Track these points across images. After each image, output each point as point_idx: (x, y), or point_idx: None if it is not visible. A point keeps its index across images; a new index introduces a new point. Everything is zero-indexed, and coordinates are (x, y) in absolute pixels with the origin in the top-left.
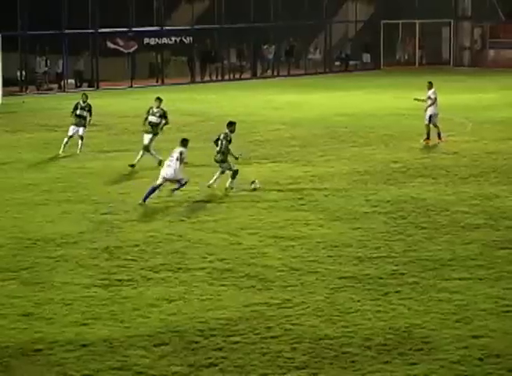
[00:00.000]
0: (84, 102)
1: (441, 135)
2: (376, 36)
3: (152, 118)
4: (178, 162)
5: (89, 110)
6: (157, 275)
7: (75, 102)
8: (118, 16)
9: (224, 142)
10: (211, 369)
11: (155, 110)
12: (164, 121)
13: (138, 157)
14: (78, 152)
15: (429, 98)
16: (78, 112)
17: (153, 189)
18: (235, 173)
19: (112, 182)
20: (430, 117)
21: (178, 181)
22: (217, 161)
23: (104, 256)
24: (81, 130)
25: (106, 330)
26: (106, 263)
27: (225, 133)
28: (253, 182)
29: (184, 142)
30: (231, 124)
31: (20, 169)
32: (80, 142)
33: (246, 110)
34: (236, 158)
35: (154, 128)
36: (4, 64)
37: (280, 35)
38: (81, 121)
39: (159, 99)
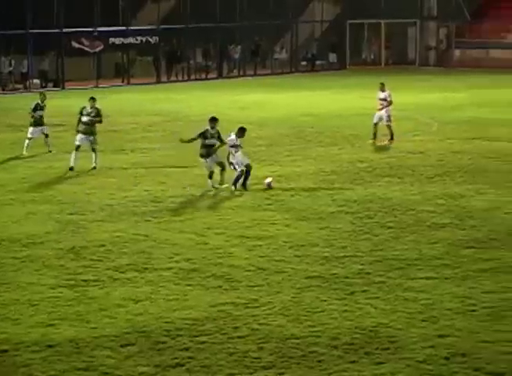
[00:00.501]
0: (42, 102)
1: (393, 136)
2: (342, 36)
3: (85, 118)
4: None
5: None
6: (123, 275)
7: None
8: (83, 15)
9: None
10: (178, 369)
11: (89, 109)
12: (98, 120)
13: (72, 158)
14: (51, 150)
15: (384, 99)
16: (38, 113)
17: (238, 177)
18: (211, 174)
19: (78, 182)
20: (389, 117)
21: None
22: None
23: (70, 256)
24: (45, 129)
25: (72, 331)
26: (72, 263)
27: (206, 129)
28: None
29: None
30: (213, 120)
31: None
32: (47, 140)
33: (213, 109)
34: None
35: (88, 128)
36: None
37: (246, 35)
38: (41, 120)
39: (93, 99)
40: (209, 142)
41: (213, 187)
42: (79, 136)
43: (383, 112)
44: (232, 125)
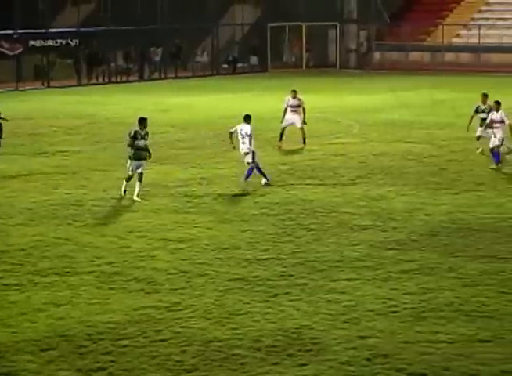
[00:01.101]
0: None
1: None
2: (263, 39)
3: None
4: (249, 138)
5: None
6: (45, 279)
7: None
8: (3, 17)
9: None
10: (100, 373)
11: None
12: None
13: None
14: None
15: (298, 106)
16: None
17: (251, 169)
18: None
19: None
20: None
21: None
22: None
23: None
24: None
25: None
26: None
27: (136, 130)
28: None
29: (247, 119)
30: (143, 121)
31: None
32: None
33: (134, 112)
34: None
35: None
36: None
37: (167, 37)
38: None
39: None
40: (139, 143)
41: (124, 192)
42: None
43: (295, 117)
44: (155, 128)
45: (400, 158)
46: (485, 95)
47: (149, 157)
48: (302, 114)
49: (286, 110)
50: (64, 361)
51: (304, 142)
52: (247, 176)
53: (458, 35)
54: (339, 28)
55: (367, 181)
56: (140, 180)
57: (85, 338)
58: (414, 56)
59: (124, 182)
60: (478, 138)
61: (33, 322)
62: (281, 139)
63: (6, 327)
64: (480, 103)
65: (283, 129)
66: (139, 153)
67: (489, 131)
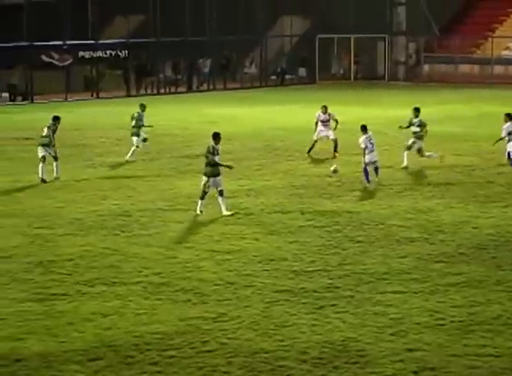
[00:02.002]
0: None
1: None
2: (311, 50)
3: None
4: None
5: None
6: (92, 289)
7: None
8: (53, 29)
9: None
10: None
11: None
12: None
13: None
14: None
15: (328, 121)
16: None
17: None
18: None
19: (47, 196)
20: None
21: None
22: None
23: (38, 270)
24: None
25: (41, 345)
26: (40, 277)
27: (211, 146)
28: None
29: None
30: (216, 136)
31: None
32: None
33: (182, 123)
34: (230, 167)
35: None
36: None
37: (216, 49)
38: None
39: None
40: (215, 159)
41: (201, 212)
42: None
43: (327, 129)
44: (202, 139)
45: (448, 171)
46: (417, 110)
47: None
48: (334, 126)
49: (317, 123)
50: (112, 371)
51: (336, 151)
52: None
53: (507, 48)
54: (388, 40)
55: (414, 193)
56: (222, 195)
57: (132, 348)
58: (463, 68)
59: (199, 201)
60: (409, 147)
61: (80, 332)
62: (309, 151)
63: (54, 336)
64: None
65: (315, 142)
66: (214, 170)
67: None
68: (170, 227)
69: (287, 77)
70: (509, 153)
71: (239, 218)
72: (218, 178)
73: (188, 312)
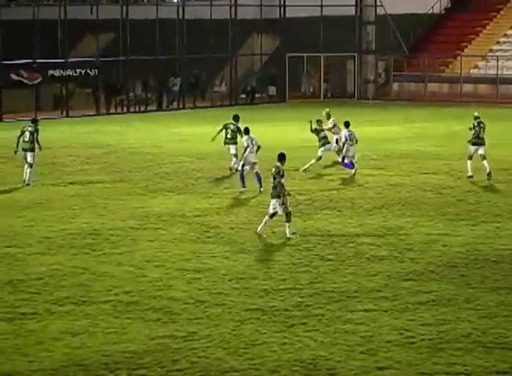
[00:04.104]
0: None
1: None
2: (281, 69)
3: None
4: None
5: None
6: (62, 308)
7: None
8: (22, 47)
9: (277, 177)
10: None
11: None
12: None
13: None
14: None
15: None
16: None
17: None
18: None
19: (17, 214)
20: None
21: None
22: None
23: (7, 289)
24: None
25: (10, 365)
26: (9, 296)
27: (276, 166)
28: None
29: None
30: (282, 157)
31: None
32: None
33: (152, 142)
34: (289, 195)
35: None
36: None
37: (186, 67)
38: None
39: None
40: (281, 182)
41: (260, 232)
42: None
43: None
44: (172, 158)
45: (417, 189)
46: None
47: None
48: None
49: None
50: None
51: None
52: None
53: (476, 66)
54: (357, 59)
55: (384, 211)
56: (288, 216)
57: (102, 367)
58: (432, 86)
59: (267, 218)
60: (319, 158)
61: (50, 351)
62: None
63: (23, 355)
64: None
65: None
66: (280, 191)
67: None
68: (140, 246)
69: (257, 95)
70: (343, 158)
71: (210, 237)
72: (280, 200)
73: (158, 330)
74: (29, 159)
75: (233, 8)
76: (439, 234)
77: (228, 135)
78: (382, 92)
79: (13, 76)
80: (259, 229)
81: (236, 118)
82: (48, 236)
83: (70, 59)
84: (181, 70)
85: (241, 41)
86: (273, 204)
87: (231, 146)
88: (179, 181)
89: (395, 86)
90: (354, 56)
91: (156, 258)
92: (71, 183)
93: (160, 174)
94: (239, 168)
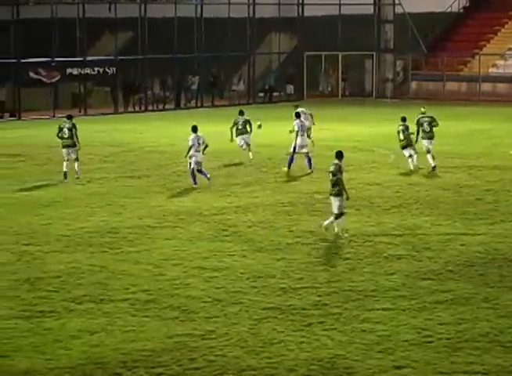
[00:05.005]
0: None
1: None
2: (299, 68)
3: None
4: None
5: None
6: (80, 306)
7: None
8: (41, 45)
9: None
10: None
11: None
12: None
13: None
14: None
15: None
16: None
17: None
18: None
19: (35, 213)
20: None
21: None
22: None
23: (25, 287)
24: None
25: (28, 362)
26: (27, 294)
27: (335, 164)
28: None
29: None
30: (341, 155)
31: None
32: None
33: (170, 140)
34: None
35: None
36: None
37: (204, 66)
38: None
39: None
40: (342, 179)
41: (325, 227)
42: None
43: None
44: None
45: (435, 188)
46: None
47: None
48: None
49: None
50: None
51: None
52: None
53: (495, 65)
54: (375, 58)
55: (402, 210)
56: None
57: (120, 365)
58: (451, 85)
59: (333, 221)
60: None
61: (67, 349)
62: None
63: (41, 353)
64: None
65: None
66: (341, 188)
67: None
68: (158, 244)
69: (275, 94)
70: (294, 148)
71: (227, 235)
72: (341, 197)
73: (175, 329)
74: (73, 155)
75: (251, 6)
76: (457, 233)
77: (240, 126)
78: (400, 91)
79: (32, 74)
80: (325, 223)
81: (242, 113)
82: (67, 234)
83: (89, 58)
84: (199, 69)
85: (259, 39)
86: (335, 202)
87: (244, 135)
88: (197, 179)
89: (413, 85)
90: (372, 55)
91: (174, 257)
92: (89, 181)
93: (178, 172)
94: (188, 166)
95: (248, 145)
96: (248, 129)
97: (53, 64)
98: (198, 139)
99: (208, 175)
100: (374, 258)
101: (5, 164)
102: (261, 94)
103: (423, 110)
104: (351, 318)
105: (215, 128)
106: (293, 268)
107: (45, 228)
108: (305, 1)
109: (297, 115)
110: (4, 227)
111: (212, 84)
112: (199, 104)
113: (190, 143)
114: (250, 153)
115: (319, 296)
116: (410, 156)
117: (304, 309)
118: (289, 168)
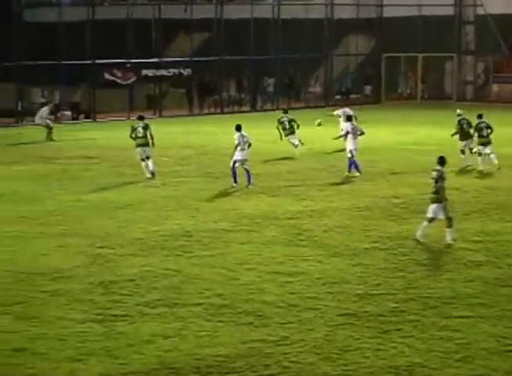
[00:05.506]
0: None
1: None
2: (377, 69)
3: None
4: None
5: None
6: (153, 310)
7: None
8: (116, 47)
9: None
10: None
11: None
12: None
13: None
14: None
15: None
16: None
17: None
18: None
19: (109, 215)
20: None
21: None
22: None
23: (99, 291)
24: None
25: (101, 367)
26: (101, 298)
27: (438, 170)
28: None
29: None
30: (443, 160)
31: (15, 201)
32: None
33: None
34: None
35: None
36: (1, 95)
37: (280, 68)
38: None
39: None
40: (444, 187)
41: (419, 238)
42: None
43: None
44: (265, 159)
45: None
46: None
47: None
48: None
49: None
50: None
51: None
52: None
53: None
54: (456, 59)
55: (482, 215)
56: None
57: (193, 371)
58: None
59: (425, 223)
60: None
61: (141, 354)
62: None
63: (114, 358)
64: None
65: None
66: (439, 196)
67: None
68: (232, 248)
69: (352, 96)
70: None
71: (302, 240)
72: (441, 205)
73: (250, 334)
74: (147, 153)
75: (330, 7)
76: None
77: (287, 126)
78: (481, 94)
79: (107, 75)
80: (418, 235)
81: (286, 111)
82: (141, 237)
83: (164, 59)
84: (275, 71)
85: (337, 40)
86: (433, 209)
87: (290, 136)
88: (272, 182)
89: (495, 87)
90: (452, 57)
91: (249, 261)
92: (163, 184)
93: (253, 175)
94: (231, 164)
95: (300, 143)
96: (295, 128)
97: (128, 65)
98: (243, 138)
99: (251, 180)
100: (453, 265)
101: (79, 166)
102: (338, 96)
103: (459, 111)
104: (428, 325)
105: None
106: (369, 273)
107: (120, 231)
108: (384, 2)
109: (349, 118)
110: (78, 230)
111: (288, 86)
112: (275, 106)
113: (236, 142)
114: (297, 151)
115: (396, 303)
116: (490, 153)
117: (380, 315)
118: (351, 171)
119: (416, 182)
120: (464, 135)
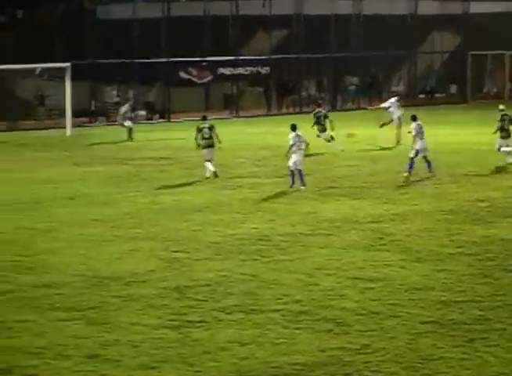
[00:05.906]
0: None
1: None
2: (462, 68)
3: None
4: None
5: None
6: (229, 316)
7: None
8: (192, 44)
9: None
10: None
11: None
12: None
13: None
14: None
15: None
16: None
17: None
18: None
19: (184, 218)
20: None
21: None
22: None
23: (174, 296)
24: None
25: (175, 374)
26: (176, 303)
27: None
28: None
29: None
30: None
31: (87, 204)
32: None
33: (323, 143)
34: None
35: None
36: (74, 94)
37: (362, 66)
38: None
39: None
40: None
41: None
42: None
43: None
44: (345, 160)
45: None
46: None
47: None
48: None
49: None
50: None
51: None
52: None
53: None
54: None
55: None
56: None
57: None
58: None
59: None
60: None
61: (216, 361)
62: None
63: (189, 365)
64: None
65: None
66: None
67: None
68: (311, 253)
69: (437, 95)
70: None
71: (384, 244)
72: None
73: (329, 342)
74: (212, 155)
75: (413, 2)
76: None
77: (322, 122)
78: None
79: (182, 74)
80: None
81: (319, 105)
82: (217, 241)
83: (241, 57)
84: (356, 69)
85: (421, 38)
86: None
87: (322, 133)
88: (352, 185)
89: None
90: None
91: (328, 266)
92: (240, 186)
93: (332, 178)
94: (289, 165)
95: (332, 139)
96: (327, 125)
97: (204, 64)
98: (299, 138)
99: (304, 182)
100: None
101: (153, 168)
102: (422, 95)
103: (501, 107)
104: None
105: (371, 131)
106: (454, 280)
107: (195, 234)
108: None
109: (414, 118)
110: (153, 233)
111: (370, 85)
112: (356, 106)
113: (291, 142)
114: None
115: (481, 310)
116: None
117: (465, 323)
118: (410, 173)
119: (503, 185)
120: (504, 132)
